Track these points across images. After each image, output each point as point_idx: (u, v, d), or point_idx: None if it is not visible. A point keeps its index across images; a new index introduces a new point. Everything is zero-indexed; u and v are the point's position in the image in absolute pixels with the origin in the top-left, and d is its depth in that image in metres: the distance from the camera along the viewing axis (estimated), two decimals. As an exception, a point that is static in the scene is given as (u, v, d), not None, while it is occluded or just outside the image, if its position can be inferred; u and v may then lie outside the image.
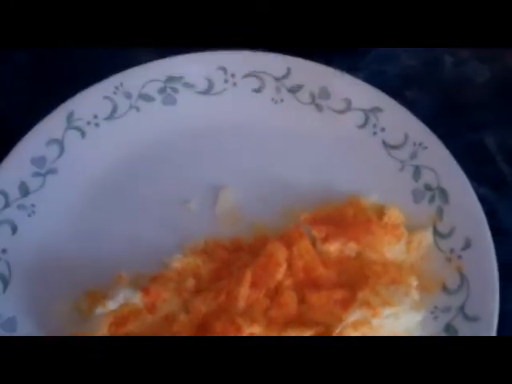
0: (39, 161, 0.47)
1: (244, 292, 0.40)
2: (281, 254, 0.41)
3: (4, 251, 0.43)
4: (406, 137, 0.48)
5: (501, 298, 0.43)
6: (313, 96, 0.50)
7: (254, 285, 0.40)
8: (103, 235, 0.45)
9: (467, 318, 0.41)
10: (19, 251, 0.44)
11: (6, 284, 0.42)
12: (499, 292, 0.42)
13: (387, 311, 0.39)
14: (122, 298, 0.39)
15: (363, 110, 0.49)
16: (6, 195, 0.45)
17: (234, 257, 0.43)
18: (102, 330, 0.39)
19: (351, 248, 0.42)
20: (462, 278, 0.42)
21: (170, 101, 0.50)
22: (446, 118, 0.52)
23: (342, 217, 0.43)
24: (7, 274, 0.43)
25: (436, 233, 0.44)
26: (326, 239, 0.42)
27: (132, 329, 0.39)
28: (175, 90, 0.50)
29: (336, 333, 0.38)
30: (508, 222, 0.47)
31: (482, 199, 0.47)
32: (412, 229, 0.44)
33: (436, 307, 0.42)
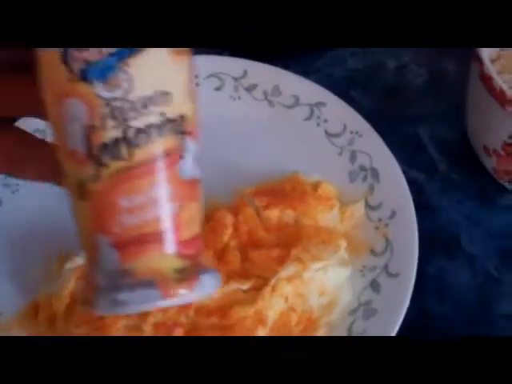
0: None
1: (194, 252, 0.46)
2: (228, 219, 0.47)
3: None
4: (345, 126, 0.54)
5: (423, 261, 0.49)
6: (266, 93, 0.57)
7: (203, 246, 0.47)
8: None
9: (390, 274, 0.47)
10: (1, 222, 0.50)
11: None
12: (421, 256, 0.48)
13: (316, 265, 0.45)
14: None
15: (309, 105, 0.56)
16: (-7, 174, 0.52)
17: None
18: (71, 283, 0.45)
19: (289, 215, 0.48)
20: (387, 242, 0.48)
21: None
22: (386, 113, 0.58)
23: (282, 189, 0.49)
24: (-11, 241, 0.49)
25: (367, 206, 0.51)
26: (266, 207, 0.48)
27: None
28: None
29: (271, 284, 0.44)
30: (433, 200, 0.54)
31: (413, 181, 0.54)
32: (347, 202, 0.51)
33: (364, 266, 0.48)
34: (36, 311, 0.46)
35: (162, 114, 0.28)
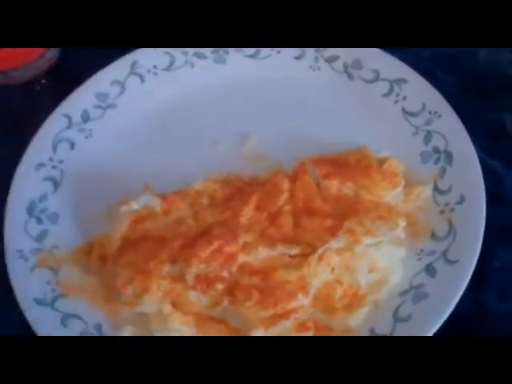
0: (102, 96, 0.55)
1: (248, 211, 0.46)
2: (284, 184, 0.46)
3: (60, 161, 0.52)
4: (424, 106, 0.52)
5: (489, 253, 0.46)
6: (346, 66, 0.55)
7: (258, 208, 0.46)
8: (144, 160, 0.52)
9: (448, 261, 0.44)
10: (72, 163, 0.52)
11: (56, 186, 0.51)
12: (488, 248, 0.45)
13: (368, 240, 0.43)
14: (144, 202, 0.46)
15: (389, 81, 0.54)
16: (69, 119, 0.54)
17: (248, 187, 0.48)
18: (124, 225, 0.46)
19: (349, 187, 0.46)
20: (451, 227, 0.46)
21: (220, 60, 0.57)
22: (470, 97, 0.55)
23: (345, 161, 0.48)
24: (59, 179, 0.51)
25: (436, 189, 0.48)
26: (326, 176, 0.46)
27: (147, 226, 0.46)
28: (226, 52, 0.57)
29: (319, 253, 0.43)
30: (510, 192, 0.50)
31: (491, 170, 0.51)
32: (415, 182, 0.48)
33: (422, 250, 0.45)
34: (90, 249, 0.47)
35: None
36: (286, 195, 0.46)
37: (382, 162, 0.48)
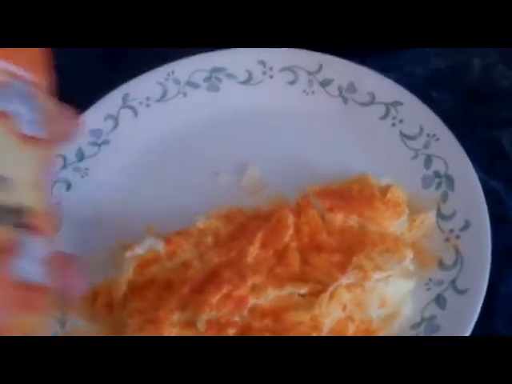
0: (96, 132, 0.54)
1: (254, 250, 0.45)
2: (290, 219, 0.46)
3: (58, 203, 0.51)
4: (421, 129, 0.51)
5: (496, 279, 0.46)
6: (340, 89, 0.55)
7: (263, 245, 0.46)
8: (142, 198, 0.52)
9: (457, 290, 0.44)
10: (70, 205, 0.51)
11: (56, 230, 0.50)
12: (494, 273, 0.45)
13: (378, 275, 0.43)
14: (148, 246, 0.46)
15: (385, 104, 0.53)
16: (64, 158, 0.53)
17: (251, 222, 0.48)
18: (129, 271, 0.45)
19: (354, 219, 0.46)
20: (458, 255, 0.46)
21: (213, 88, 0.57)
22: (467, 117, 0.55)
23: (348, 191, 0.47)
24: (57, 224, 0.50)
25: (439, 215, 0.48)
26: (330, 209, 0.46)
27: (153, 271, 0.45)
28: (219, 80, 0.57)
29: (330, 291, 0.43)
30: (513, 213, 0.50)
31: (492, 191, 0.51)
32: (417, 209, 0.48)
33: (430, 279, 0.45)
34: (95, 297, 0.46)
35: None
36: (291, 231, 0.46)
37: (384, 190, 0.48)
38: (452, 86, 0.57)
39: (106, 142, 0.54)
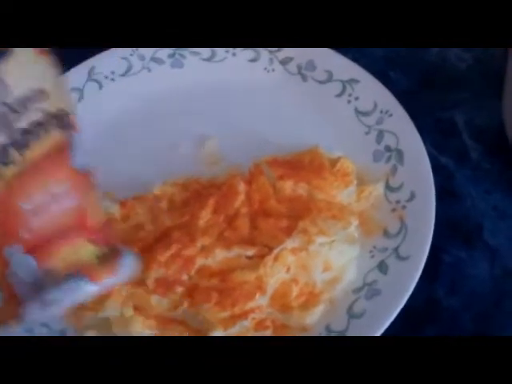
0: (61, 103, 0.56)
1: (205, 215, 0.47)
2: (241, 186, 0.48)
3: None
4: (376, 105, 0.53)
5: (440, 248, 0.47)
6: (300, 68, 0.57)
7: (215, 210, 0.47)
8: (105, 168, 0.52)
9: (400, 257, 0.45)
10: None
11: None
12: (439, 243, 0.46)
13: (321, 239, 0.45)
14: (103, 208, 0.47)
15: (342, 81, 0.55)
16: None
17: (205, 190, 0.49)
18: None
19: (303, 188, 0.47)
20: (402, 224, 0.47)
21: (177, 64, 0.58)
22: (423, 96, 0.57)
23: (299, 161, 0.49)
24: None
25: (387, 187, 0.49)
26: (281, 177, 0.48)
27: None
28: (183, 56, 0.58)
29: (275, 253, 0.44)
30: (461, 188, 0.52)
31: (442, 166, 0.53)
32: (367, 181, 0.50)
33: (374, 247, 0.47)
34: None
35: (43, 110, 0.28)
36: (242, 197, 0.47)
37: (334, 162, 0.49)
38: (409, 66, 0.59)
39: (70, 113, 0.56)
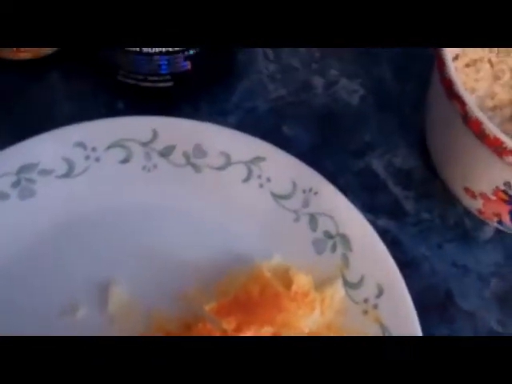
0: None
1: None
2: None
3: None
4: (294, 184, 0.44)
5: (425, 324, 0.41)
6: (187, 156, 0.46)
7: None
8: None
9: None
10: None
11: None
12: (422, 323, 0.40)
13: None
14: None
15: (244, 163, 0.45)
16: None
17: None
18: None
19: (268, 331, 0.38)
20: (382, 327, 0.40)
21: (27, 194, 0.44)
22: (330, 148, 0.49)
23: (248, 296, 0.39)
24: None
25: (346, 283, 0.42)
26: (238, 329, 0.38)
27: None
28: (31, 181, 0.44)
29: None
30: (412, 251, 0.46)
31: (384, 232, 0.46)
32: (320, 283, 0.42)
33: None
34: None
35: None
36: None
37: (285, 279, 0.40)
38: (301, 114, 0.50)
39: None
